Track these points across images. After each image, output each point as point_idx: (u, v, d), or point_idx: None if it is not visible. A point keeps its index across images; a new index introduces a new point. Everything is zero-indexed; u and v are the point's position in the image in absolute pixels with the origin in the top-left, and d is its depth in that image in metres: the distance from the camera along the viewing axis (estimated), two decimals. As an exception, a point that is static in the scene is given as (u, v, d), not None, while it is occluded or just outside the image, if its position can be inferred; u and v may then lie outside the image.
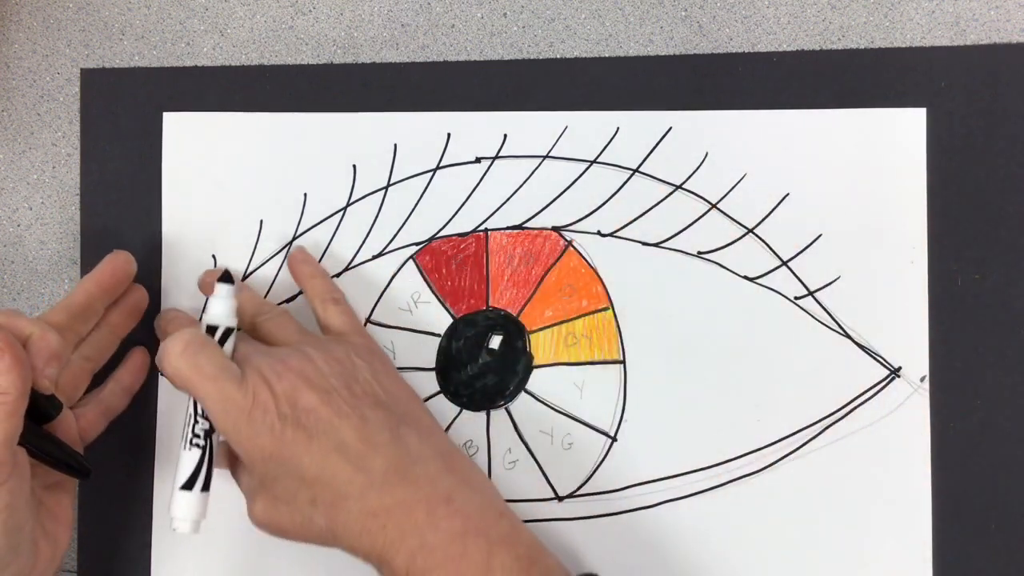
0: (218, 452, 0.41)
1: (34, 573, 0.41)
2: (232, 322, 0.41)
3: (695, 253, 0.46)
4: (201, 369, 0.39)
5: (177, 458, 0.41)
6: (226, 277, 0.41)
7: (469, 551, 0.36)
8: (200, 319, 0.43)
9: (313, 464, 0.38)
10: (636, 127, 0.46)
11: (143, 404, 0.48)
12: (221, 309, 0.41)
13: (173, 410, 0.48)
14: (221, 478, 0.42)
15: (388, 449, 0.38)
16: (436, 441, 0.40)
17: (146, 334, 0.47)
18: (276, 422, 0.38)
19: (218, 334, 0.40)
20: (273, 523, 0.40)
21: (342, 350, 0.41)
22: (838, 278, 0.45)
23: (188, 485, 0.40)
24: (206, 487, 0.41)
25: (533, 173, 0.47)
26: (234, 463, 0.42)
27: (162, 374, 0.42)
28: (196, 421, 0.40)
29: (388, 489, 0.37)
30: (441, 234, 0.47)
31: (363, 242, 0.48)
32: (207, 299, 0.42)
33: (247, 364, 0.40)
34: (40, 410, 0.41)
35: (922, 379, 0.44)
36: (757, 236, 0.45)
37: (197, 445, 0.40)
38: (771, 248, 0.45)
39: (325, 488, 0.38)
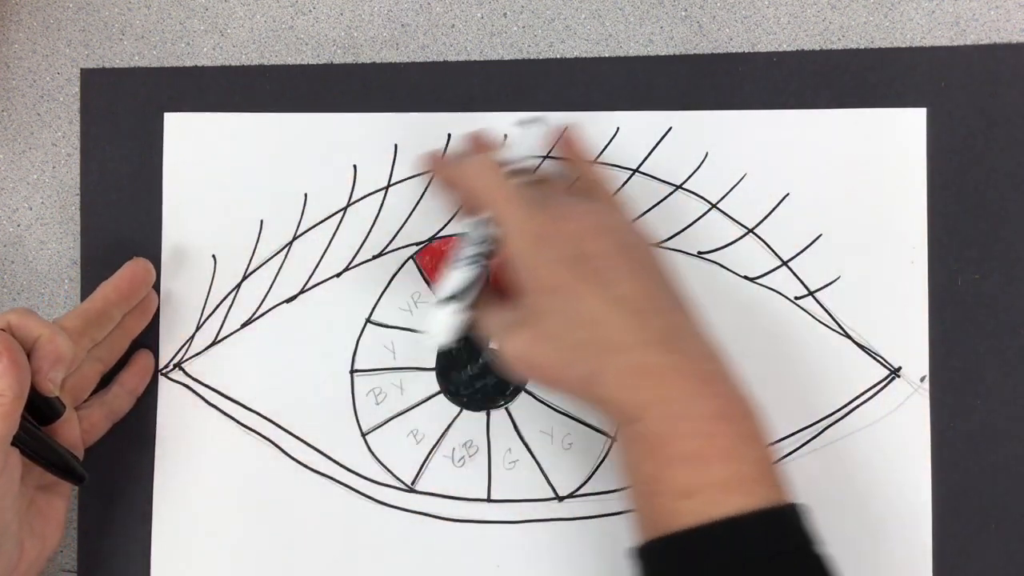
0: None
1: (16, 572, 0.41)
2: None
3: (695, 253, 0.46)
4: (504, 187, 0.39)
5: (444, 277, 0.40)
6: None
7: (718, 437, 0.35)
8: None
9: (594, 308, 0.36)
10: (636, 127, 0.46)
11: (143, 405, 0.48)
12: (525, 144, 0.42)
13: (173, 411, 0.48)
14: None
15: (668, 314, 0.37)
16: (703, 323, 0.39)
17: (148, 335, 0.48)
18: (565, 257, 0.37)
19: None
20: (531, 358, 0.38)
21: (630, 219, 0.42)
22: (838, 278, 0.45)
23: (453, 298, 0.39)
24: (472, 306, 0.40)
25: (533, 173, 0.47)
26: (488, 298, 0.41)
27: (450, 186, 0.42)
28: (480, 242, 0.40)
29: (663, 351, 0.36)
30: (441, 234, 0.47)
31: (363, 242, 0.48)
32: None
33: (545, 199, 0.39)
34: (42, 411, 0.41)
35: (922, 379, 0.44)
36: (757, 236, 0.45)
37: (475, 263, 0.40)
38: (771, 248, 0.45)
39: (599, 334, 0.36)
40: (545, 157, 0.47)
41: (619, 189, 0.46)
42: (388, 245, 0.47)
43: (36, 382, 0.39)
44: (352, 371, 0.47)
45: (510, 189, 0.39)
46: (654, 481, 0.35)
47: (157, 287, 0.48)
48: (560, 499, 0.46)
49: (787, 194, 0.45)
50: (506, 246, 0.38)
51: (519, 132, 0.42)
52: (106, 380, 0.47)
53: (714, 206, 0.46)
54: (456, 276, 0.40)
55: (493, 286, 0.41)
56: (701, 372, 0.36)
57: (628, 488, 0.37)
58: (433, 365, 0.47)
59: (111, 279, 0.45)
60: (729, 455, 0.35)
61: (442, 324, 0.40)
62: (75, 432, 0.44)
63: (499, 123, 0.47)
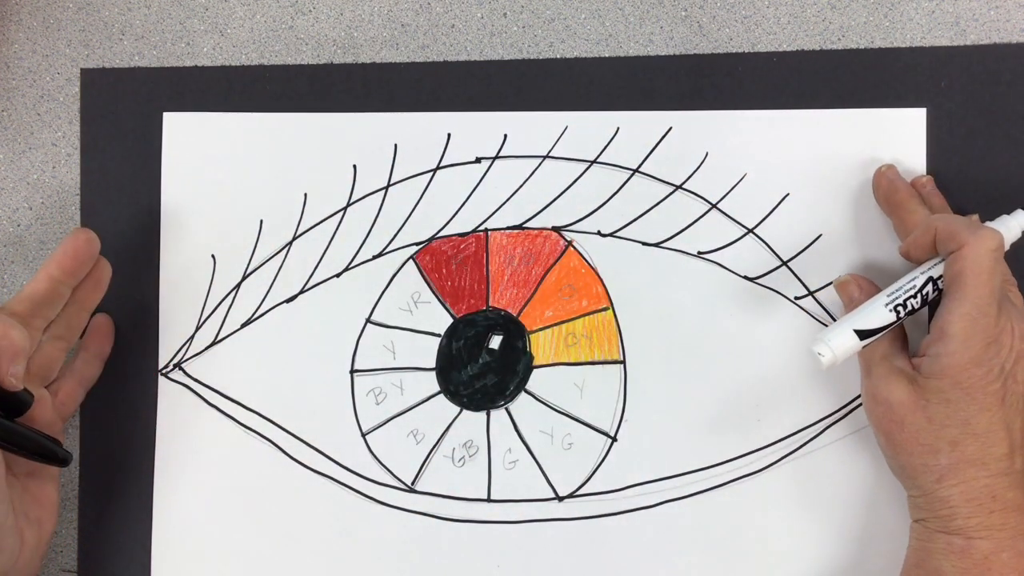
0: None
1: (20, 561, 0.41)
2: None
3: (695, 253, 0.46)
4: (996, 275, 0.38)
5: (867, 306, 0.40)
6: None
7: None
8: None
9: (990, 422, 0.38)
10: (636, 127, 0.46)
11: (143, 405, 0.48)
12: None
13: (173, 411, 0.48)
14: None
15: None
16: None
17: (148, 335, 0.48)
18: (1002, 368, 0.38)
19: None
20: (901, 414, 0.39)
21: None
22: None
23: (863, 334, 0.40)
24: (864, 339, 0.40)
25: (533, 173, 0.47)
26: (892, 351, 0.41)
27: (932, 227, 0.40)
28: (918, 296, 0.40)
29: (1018, 487, 0.38)
30: (441, 234, 0.47)
31: (363, 242, 0.48)
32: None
33: (1008, 304, 0.39)
34: (11, 404, 0.41)
35: (922, 379, 0.44)
36: (757, 236, 0.45)
37: (899, 310, 0.40)
38: (771, 248, 0.45)
39: (977, 444, 0.38)
40: (545, 157, 0.47)
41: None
42: (388, 245, 0.47)
43: None
44: (352, 371, 0.47)
45: (997, 280, 0.38)
46: None
47: (157, 286, 0.48)
48: (560, 499, 0.46)
49: (787, 194, 0.45)
50: (956, 323, 0.38)
51: (1013, 223, 0.41)
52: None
53: (714, 206, 0.46)
54: (881, 314, 0.40)
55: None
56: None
57: None
58: (433, 365, 0.47)
59: (52, 255, 0.44)
60: None
61: (844, 350, 0.40)
62: (49, 413, 0.43)
63: (499, 123, 0.47)
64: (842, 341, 0.40)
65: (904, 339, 0.42)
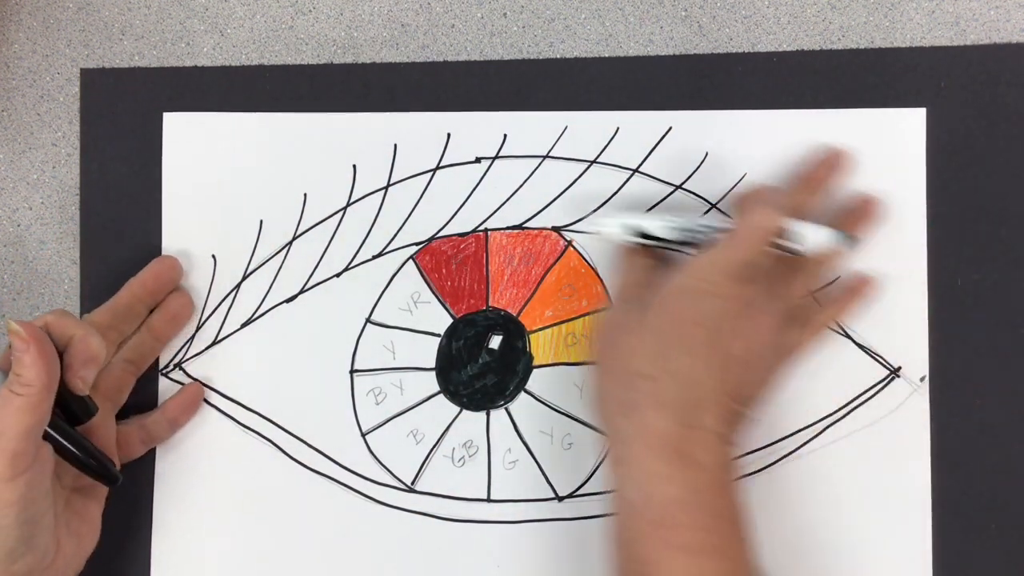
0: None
1: (53, 568, 0.41)
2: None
3: (695, 253, 0.46)
4: (757, 246, 0.39)
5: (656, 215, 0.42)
6: None
7: (715, 534, 0.37)
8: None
9: (694, 371, 0.38)
10: (636, 127, 0.46)
11: (143, 405, 0.48)
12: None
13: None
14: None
15: (733, 423, 0.39)
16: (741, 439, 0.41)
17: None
18: (721, 326, 0.38)
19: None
20: (615, 340, 0.40)
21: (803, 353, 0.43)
22: (838, 278, 0.45)
23: (632, 232, 0.42)
24: (644, 239, 0.42)
25: (533, 173, 0.47)
26: (648, 260, 0.43)
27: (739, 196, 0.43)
28: (702, 231, 0.41)
29: (706, 446, 0.38)
30: (441, 234, 0.47)
31: (363, 242, 0.48)
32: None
33: (764, 282, 0.40)
34: (75, 411, 0.41)
35: (922, 379, 0.44)
36: (757, 236, 0.45)
37: (681, 234, 0.41)
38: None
39: (671, 387, 0.38)
40: (545, 157, 0.47)
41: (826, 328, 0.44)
42: (388, 245, 0.47)
43: (67, 379, 0.40)
44: (352, 371, 0.47)
45: (750, 251, 0.39)
46: (648, 563, 0.37)
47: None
48: (560, 499, 0.46)
49: (787, 194, 0.45)
50: (696, 261, 0.39)
51: (820, 233, 0.41)
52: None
53: (714, 206, 0.46)
54: (664, 226, 0.41)
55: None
56: (718, 476, 0.38)
57: (612, 558, 0.39)
58: (433, 365, 0.47)
59: (137, 275, 0.46)
60: (723, 554, 0.37)
61: (617, 231, 0.41)
62: (111, 438, 0.44)
63: (499, 123, 0.47)
64: (613, 227, 0.42)
65: (658, 277, 0.42)
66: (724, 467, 0.38)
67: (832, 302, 0.43)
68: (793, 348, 0.42)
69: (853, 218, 0.44)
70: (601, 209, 0.41)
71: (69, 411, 0.41)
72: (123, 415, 0.46)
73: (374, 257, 0.48)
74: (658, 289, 0.40)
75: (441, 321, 0.47)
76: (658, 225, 0.42)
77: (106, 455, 0.43)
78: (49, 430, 0.40)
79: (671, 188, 0.46)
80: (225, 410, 0.48)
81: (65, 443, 0.41)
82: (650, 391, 0.38)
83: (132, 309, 0.46)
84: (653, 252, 0.43)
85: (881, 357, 0.44)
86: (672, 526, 0.37)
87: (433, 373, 0.47)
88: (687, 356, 0.38)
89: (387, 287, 0.47)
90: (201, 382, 0.48)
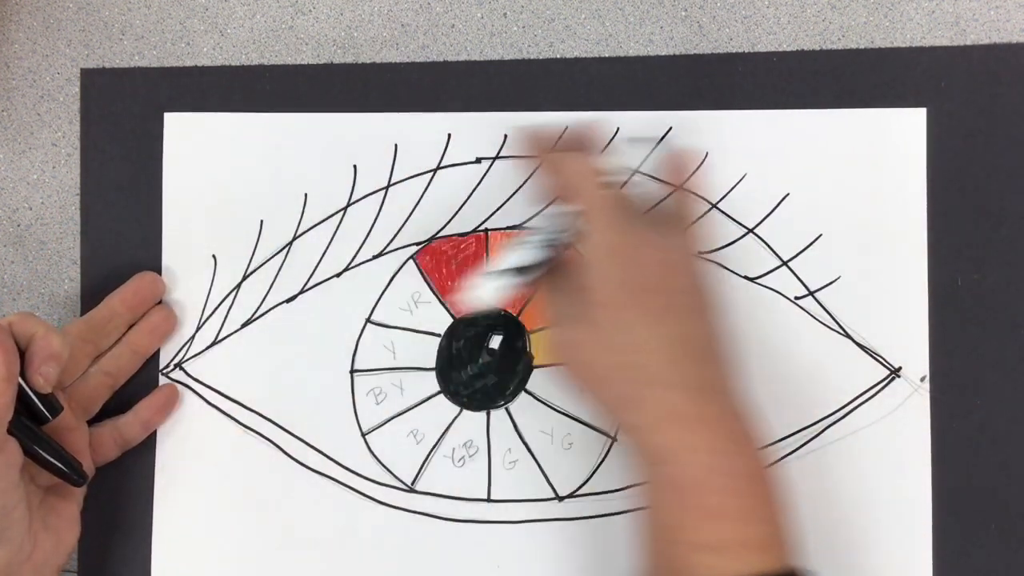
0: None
1: (32, 562, 0.42)
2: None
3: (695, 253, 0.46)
4: (599, 195, 0.39)
5: (509, 249, 0.40)
6: None
7: (743, 496, 0.36)
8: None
9: (644, 338, 0.37)
10: (636, 127, 0.46)
11: (143, 404, 0.48)
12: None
13: (173, 411, 0.48)
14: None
15: (711, 365, 0.39)
16: (739, 380, 0.40)
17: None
18: (631, 282, 0.38)
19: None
20: (579, 353, 0.39)
21: (700, 261, 0.41)
22: (838, 278, 0.45)
23: (516, 270, 0.40)
24: (522, 275, 0.40)
25: (533, 173, 0.47)
26: (556, 280, 0.41)
27: (547, 172, 0.42)
28: (559, 230, 0.40)
29: (701, 400, 0.37)
30: (441, 234, 0.47)
31: (363, 242, 0.48)
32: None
33: (630, 220, 0.39)
34: (37, 410, 0.41)
35: (922, 379, 0.44)
36: (757, 236, 0.45)
37: (548, 246, 0.40)
38: (771, 248, 0.45)
39: (641, 364, 0.37)
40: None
41: (694, 222, 0.45)
42: (388, 245, 0.47)
43: (28, 375, 0.40)
44: (352, 371, 0.47)
45: (604, 198, 0.39)
46: (676, 530, 0.36)
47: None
48: (560, 499, 0.46)
49: (787, 194, 0.45)
50: (584, 249, 0.39)
51: (627, 147, 0.41)
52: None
53: (714, 206, 0.46)
54: (526, 251, 0.40)
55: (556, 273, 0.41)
56: (733, 429, 0.37)
57: (644, 527, 0.38)
58: (433, 365, 0.47)
59: (117, 290, 0.47)
60: (751, 515, 0.36)
61: (497, 290, 0.40)
62: (83, 443, 0.44)
63: (499, 123, 0.47)
64: (495, 285, 0.40)
65: (574, 283, 0.41)
66: (736, 417, 0.37)
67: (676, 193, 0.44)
68: (693, 248, 0.42)
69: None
70: (470, 288, 0.40)
71: (34, 411, 0.41)
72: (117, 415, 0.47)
73: (374, 257, 0.48)
74: (581, 293, 0.39)
75: (441, 321, 0.47)
76: (518, 256, 0.40)
77: (73, 456, 0.43)
78: (12, 429, 0.40)
79: (671, 188, 0.46)
80: (225, 410, 0.48)
81: (29, 442, 0.41)
82: (639, 378, 0.37)
83: (110, 323, 0.46)
84: (550, 274, 0.41)
85: (881, 357, 0.45)
86: (703, 493, 0.36)
87: (433, 373, 0.47)
88: (639, 327, 0.37)
89: (387, 287, 0.47)
90: (201, 382, 0.48)
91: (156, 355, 0.48)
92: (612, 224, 0.38)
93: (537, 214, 0.44)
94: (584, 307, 0.38)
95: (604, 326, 0.38)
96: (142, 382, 0.48)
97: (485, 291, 0.39)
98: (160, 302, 0.48)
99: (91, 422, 0.46)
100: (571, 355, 0.39)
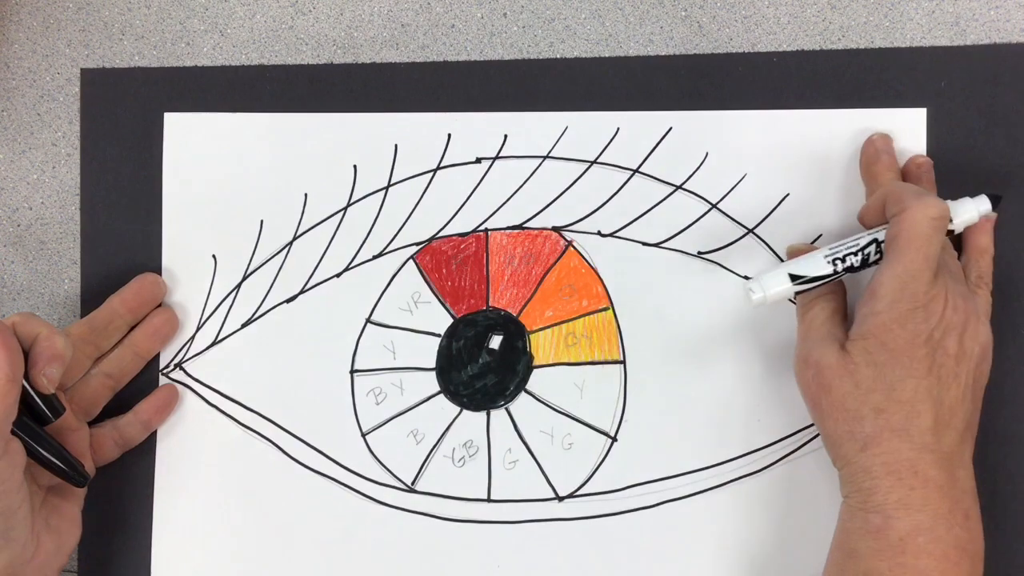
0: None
1: (35, 562, 0.42)
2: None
3: (695, 253, 0.46)
4: (932, 243, 0.38)
5: (808, 255, 0.41)
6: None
7: (952, 567, 0.37)
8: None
9: (917, 392, 0.37)
10: (636, 127, 0.46)
11: (143, 404, 0.48)
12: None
13: (173, 411, 0.48)
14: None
15: (961, 438, 0.38)
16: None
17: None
18: (929, 336, 0.38)
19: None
20: (828, 378, 0.39)
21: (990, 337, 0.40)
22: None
23: (797, 279, 0.41)
24: (797, 283, 0.41)
25: (533, 173, 0.47)
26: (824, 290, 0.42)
27: (881, 193, 0.41)
28: (858, 254, 0.40)
29: (942, 467, 0.37)
30: (441, 234, 0.47)
31: (363, 242, 0.48)
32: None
33: (944, 275, 0.39)
34: (39, 410, 0.41)
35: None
36: (757, 236, 0.45)
37: (837, 264, 0.41)
38: (771, 248, 0.45)
39: (902, 415, 0.37)
40: (545, 157, 0.47)
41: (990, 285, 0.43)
42: (388, 245, 0.47)
43: (32, 376, 0.40)
44: (352, 371, 0.47)
45: (934, 248, 0.38)
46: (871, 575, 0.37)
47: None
48: (560, 499, 0.46)
49: (787, 194, 0.45)
50: (885, 284, 0.38)
51: (971, 205, 0.41)
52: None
53: (714, 206, 0.46)
54: (820, 264, 0.41)
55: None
56: (960, 500, 0.38)
57: (834, 557, 0.39)
58: (433, 365, 0.47)
59: (119, 291, 0.47)
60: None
61: (778, 293, 0.41)
62: (84, 444, 0.44)
63: (499, 123, 0.47)
64: (776, 282, 0.41)
65: (845, 311, 0.42)
66: (966, 492, 0.38)
67: (976, 251, 0.43)
68: (987, 313, 0.41)
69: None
70: (753, 276, 0.41)
71: (36, 412, 0.42)
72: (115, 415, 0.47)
73: (374, 257, 0.48)
74: (859, 321, 0.39)
75: (441, 321, 0.47)
76: (813, 264, 0.41)
77: (74, 456, 0.43)
78: (16, 429, 0.40)
79: (671, 188, 0.46)
80: (225, 410, 0.48)
81: (31, 442, 0.41)
82: (882, 423, 0.37)
83: (111, 324, 0.46)
84: (824, 287, 0.42)
85: (881, 357, 0.44)
86: (914, 553, 0.36)
87: (433, 373, 0.47)
88: (911, 379, 0.37)
89: (387, 287, 0.47)
90: (201, 382, 0.48)
91: (157, 356, 0.48)
92: (928, 271, 0.38)
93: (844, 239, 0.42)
94: (855, 337, 0.39)
95: (871, 362, 0.38)
96: (142, 382, 0.48)
97: (770, 291, 0.41)
98: (161, 304, 0.48)
99: (91, 423, 0.46)
100: (818, 376, 0.39)
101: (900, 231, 0.38)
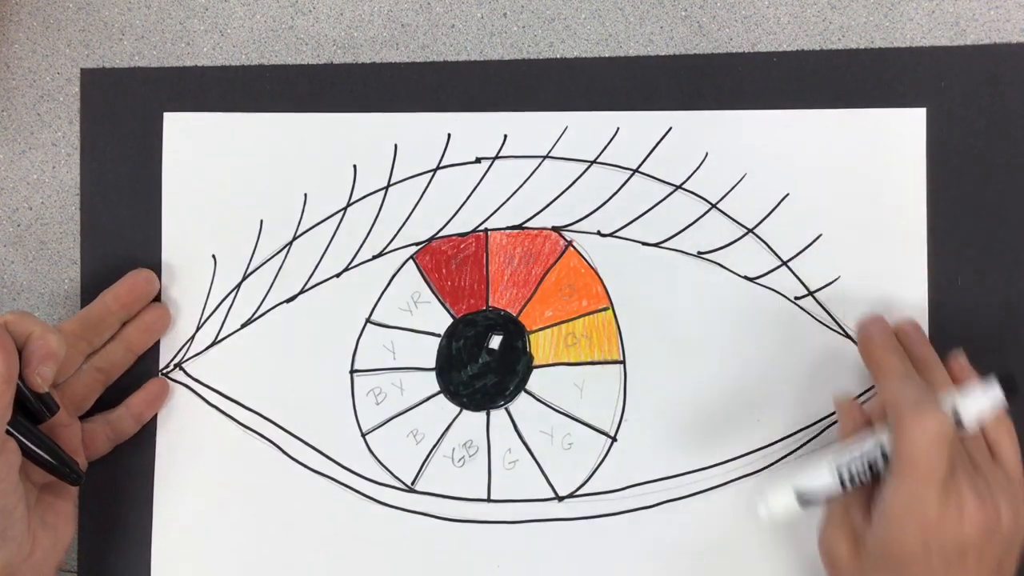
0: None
1: (32, 560, 0.42)
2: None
3: (695, 253, 0.46)
4: (944, 459, 0.35)
5: (815, 463, 0.39)
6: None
7: None
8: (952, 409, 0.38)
9: None
10: (636, 127, 0.46)
11: (143, 404, 0.48)
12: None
13: (173, 411, 0.48)
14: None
15: None
16: None
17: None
18: (946, 554, 0.36)
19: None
20: (838, 573, 0.39)
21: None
22: (838, 278, 0.45)
23: (802, 499, 0.39)
24: (807, 507, 0.39)
25: (533, 173, 0.47)
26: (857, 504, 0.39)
27: (884, 387, 0.39)
28: (877, 458, 0.38)
29: None
30: (441, 234, 0.47)
31: (363, 242, 0.48)
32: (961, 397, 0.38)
33: (957, 476, 0.36)
34: (35, 409, 0.41)
35: (922, 379, 0.44)
36: (757, 236, 0.45)
37: (843, 477, 0.38)
38: (771, 248, 0.45)
39: None
40: (545, 157, 0.47)
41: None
42: (388, 245, 0.47)
43: (25, 375, 0.40)
44: (352, 371, 0.47)
45: (936, 465, 0.35)
46: None
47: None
48: (560, 499, 0.46)
49: (787, 194, 0.45)
50: (892, 505, 0.36)
51: (980, 395, 0.38)
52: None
53: (714, 206, 0.46)
54: (824, 477, 0.39)
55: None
56: None
57: None
58: (433, 365, 0.47)
59: (111, 287, 0.47)
60: None
61: (783, 512, 0.39)
62: (75, 438, 0.44)
63: (499, 123, 0.47)
64: (781, 501, 0.39)
65: (869, 493, 0.39)
66: None
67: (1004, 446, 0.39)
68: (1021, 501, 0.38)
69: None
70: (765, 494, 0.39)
71: (30, 410, 0.41)
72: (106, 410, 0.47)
73: (374, 257, 0.48)
74: (868, 505, 0.38)
75: (441, 321, 0.47)
76: (819, 476, 0.39)
77: (69, 454, 0.43)
78: (10, 428, 0.40)
79: (671, 188, 0.46)
80: (225, 410, 0.48)
81: (26, 441, 0.41)
82: None
83: (103, 320, 0.46)
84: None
85: (881, 357, 0.44)
86: None
87: (433, 373, 0.47)
88: None
89: (387, 287, 0.47)
90: (201, 382, 0.48)
91: (156, 356, 0.48)
92: (937, 486, 0.36)
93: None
94: (870, 538, 0.37)
95: (883, 568, 0.37)
96: (141, 382, 0.48)
97: (776, 510, 0.39)
98: (156, 299, 0.48)
99: (82, 417, 0.46)
100: (832, 565, 0.39)
101: (899, 451, 0.36)
